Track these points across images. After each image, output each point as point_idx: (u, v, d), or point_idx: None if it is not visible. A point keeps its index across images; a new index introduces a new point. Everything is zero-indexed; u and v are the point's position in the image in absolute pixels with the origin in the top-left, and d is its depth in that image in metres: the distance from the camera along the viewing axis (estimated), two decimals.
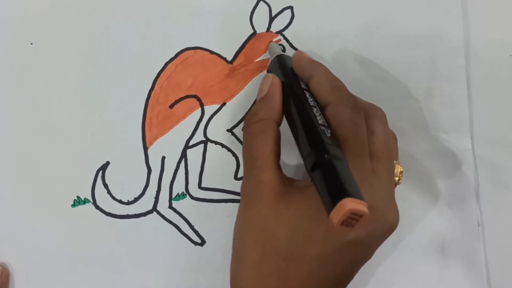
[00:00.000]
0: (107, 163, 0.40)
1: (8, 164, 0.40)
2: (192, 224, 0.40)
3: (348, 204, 0.25)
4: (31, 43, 0.41)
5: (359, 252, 0.32)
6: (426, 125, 0.40)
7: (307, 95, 0.34)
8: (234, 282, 0.33)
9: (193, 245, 0.40)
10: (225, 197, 0.40)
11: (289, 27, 0.41)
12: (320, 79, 0.34)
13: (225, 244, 0.39)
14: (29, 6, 0.41)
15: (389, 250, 0.39)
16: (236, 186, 0.40)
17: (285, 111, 0.35)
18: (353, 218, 0.25)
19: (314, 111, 0.32)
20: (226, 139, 0.40)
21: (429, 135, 0.40)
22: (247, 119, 0.34)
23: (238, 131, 0.40)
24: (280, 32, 0.41)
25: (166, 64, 0.40)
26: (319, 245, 0.30)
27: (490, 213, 0.40)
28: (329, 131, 0.31)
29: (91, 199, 0.40)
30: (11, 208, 0.40)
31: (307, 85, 0.35)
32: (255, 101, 0.40)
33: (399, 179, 0.34)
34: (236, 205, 0.40)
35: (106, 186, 0.40)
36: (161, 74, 0.40)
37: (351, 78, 0.40)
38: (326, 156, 0.29)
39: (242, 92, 0.40)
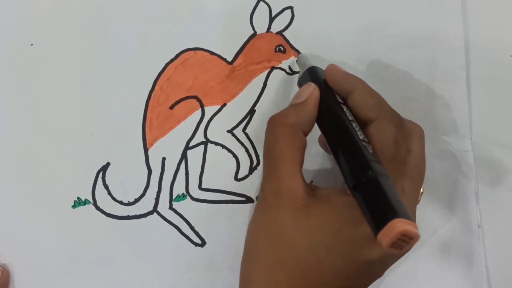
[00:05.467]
0: (108, 164, 0.40)
1: (8, 165, 0.40)
2: (193, 225, 0.40)
3: (399, 226, 0.24)
4: (32, 44, 0.41)
5: (377, 269, 0.32)
6: (426, 126, 0.39)
7: (345, 109, 0.33)
8: (245, 283, 0.33)
9: (193, 246, 0.40)
10: (226, 198, 0.40)
11: (289, 27, 0.41)
12: (362, 94, 0.33)
13: (226, 245, 0.40)
14: (30, 7, 0.41)
15: None
16: (237, 187, 0.40)
17: (322, 125, 0.34)
18: (402, 240, 0.24)
19: (354, 126, 0.31)
20: (227, 140, 0.40)
21: (429, 136, 0.39)
22: (274, 119, 0.34)
23: (239, 132, 0.40)
24: (280, 33, 0.41)
25: (167, 65, 0.40)
26: (339, 260, 0.30)
27: (490, 214, 0.40)
28: (370, 147, 0.30)
29: (91, 200, 0.40)
30: (12, 209, 0.40)
31: (343, 99, 0.34)
32: (255, 103, 0.40)
33: (418, 199, 0.34)
34: (237, 206, 0.40)
35: (106, 187, 0.40)
36: (162, 75, 0.40)
37: None
38: (370, 173, 0.27)
39: (242, 93, 0.40)
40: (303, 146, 0.33)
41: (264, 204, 0.32)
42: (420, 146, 0.33)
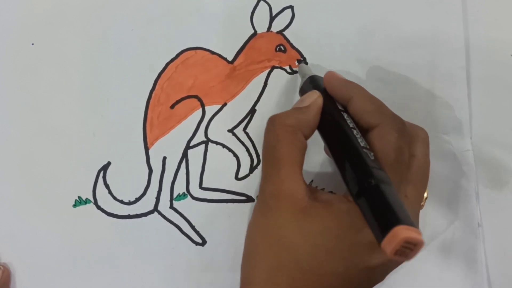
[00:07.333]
0: (108, 163, 0.40)
1: (9, 165, 0.40)
2: (193, 224, 0.40)
3: (402, 232, 0.23)
4: (32, 44, 0.41)
5: (378, 274, 0.31)
6: (426, 126, 0.39)
7: (345, 116, 0.33)
8: (245, 283, 0.33)
9: (194, 245, 0.40)
10: (226, 197, 0.40)
11: (290, 27, 0.41)
12: (361, 100, 0.33)
13: (226, 244, 0.40)
14: (30, 7, 0.41)
15: None
16: (237, 186, 0.40)
17: (324, 134, 0.34)
18: (406, 247, 0.24)
19: (355, 133, 0.31)
20: (227, 139, 0.40)
21: (429, 136, 0.40)
22: (275, 118, 0.33)
23: (239, 131, 0.40)
24: (280, 32, 0.41)
25: (167, 64, 0.40)
26: (340, 264, 0.30)
27: (490, 213, 0.40)
28: (372, 154, 0.30)
29: (92, 199, 0.40)
30: (13, 209, 0.40)
31: (343, 106, 0.34)
32: (255, 102, 0.40)
33: (422, 204, 0.34)
34: (237, 205, 0.40)
35: (107, 186, 0.40)
36: (162, 75, 0.40)
37: (351, 79, 0.39)
38: (372, 180, 0.27)
39: (243, 92, 0.40)
40: (304, 147, 0.33)
41: (264, 207, 0.32)
42: (424, 150, 0.33)
